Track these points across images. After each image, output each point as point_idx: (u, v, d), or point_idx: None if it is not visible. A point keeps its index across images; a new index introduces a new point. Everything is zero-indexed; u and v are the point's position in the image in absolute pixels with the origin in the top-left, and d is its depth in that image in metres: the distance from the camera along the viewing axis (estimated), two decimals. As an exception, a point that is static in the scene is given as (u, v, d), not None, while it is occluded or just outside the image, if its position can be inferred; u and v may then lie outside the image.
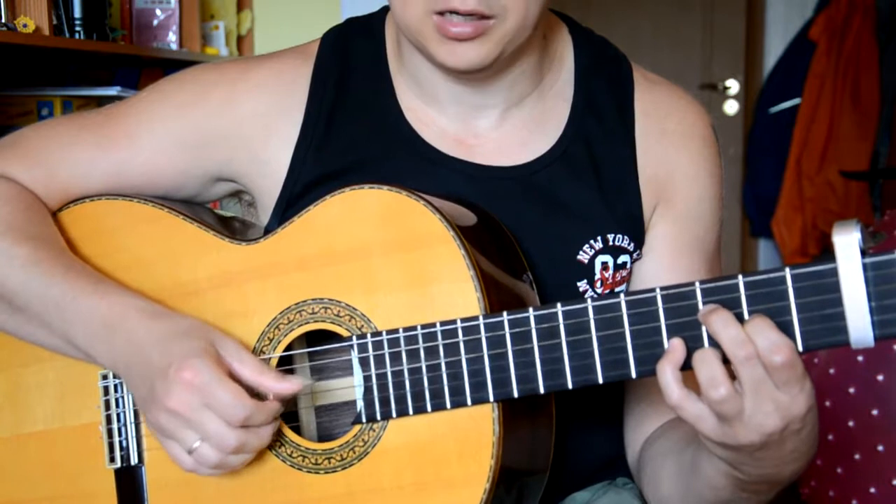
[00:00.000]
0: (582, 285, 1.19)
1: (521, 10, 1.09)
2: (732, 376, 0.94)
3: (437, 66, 1.14)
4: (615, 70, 1.25)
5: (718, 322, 0.92)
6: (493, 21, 1.09)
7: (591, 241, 1.19)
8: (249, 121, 1.23)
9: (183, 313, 1.14)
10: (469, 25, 1.09)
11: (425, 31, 1.11)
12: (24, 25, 2.20)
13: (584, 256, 1.19)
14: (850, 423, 2.30)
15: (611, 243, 1.20)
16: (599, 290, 1.20)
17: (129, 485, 1.18)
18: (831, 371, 2.34)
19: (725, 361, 0.94)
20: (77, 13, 2.44)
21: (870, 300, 0.89)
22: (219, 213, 1.33)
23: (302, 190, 1.21)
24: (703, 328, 0.95)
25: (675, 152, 1.23)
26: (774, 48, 4.80)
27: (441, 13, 1.09)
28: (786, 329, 0.92)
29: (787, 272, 0.92)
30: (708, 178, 1.24)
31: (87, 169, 1.24)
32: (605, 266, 1.20)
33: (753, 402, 0.93)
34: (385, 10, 1.26)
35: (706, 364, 0.93)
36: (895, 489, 2.25)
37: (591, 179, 1.20)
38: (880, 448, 2.26)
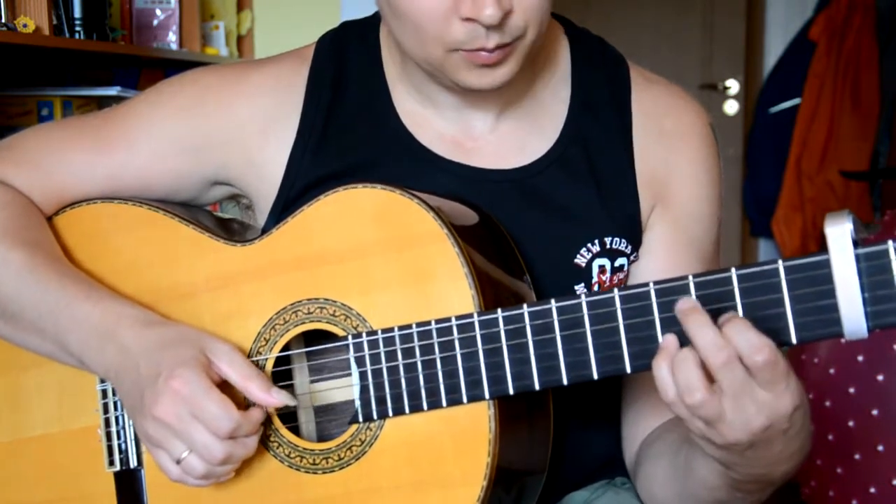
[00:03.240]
0: (579, 289, 1.19)
1: (538, 24, 1.10)
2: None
3: (455, 87, 1.14)
4: (612, 70, 1.24)
5: (694, 326, 0.91)
6: (515, 42, 1.09)
7: (589, 245, 1.19)
8: (246, 124, 1.23)
9: (179, 317, 1.15)
10: (496, 52, 1.08)
11: (449, 64, 1.10)
12: (24, 25, 2.20)
13: (581, 260, 1.19)
14: (850, 423, 2.30)
15: (608, 246, 1.20)
16: (597, 294, 1.19)
17: (129, 487, 1.18)
18: (831, 371, 2.34)
19: None
20: (77, 13, 2.44)
21: (863, 291, 0.89)
22: (217, 215, 1.32)
23: (299, 193, 1.21)
24: None
25: (673, 152, 1.22)
26: (774, 48, 4.80)
27: (470, 50, 1.08)
28: (779, 321, 0.91)
29: (780, 264, 0.91)
30: (706, 178, 1.23)
31: (83, 172, 1.24)
32: (602, 269, 1.20)
33: (735, 404, 0.92)
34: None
35: (681, 369, 0.92)
36: (895, 489, 2.25)
37: (588, 182, 1.20)
38: (880, 448, 2.26)
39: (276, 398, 1.07)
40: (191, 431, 1.04)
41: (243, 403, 1.09)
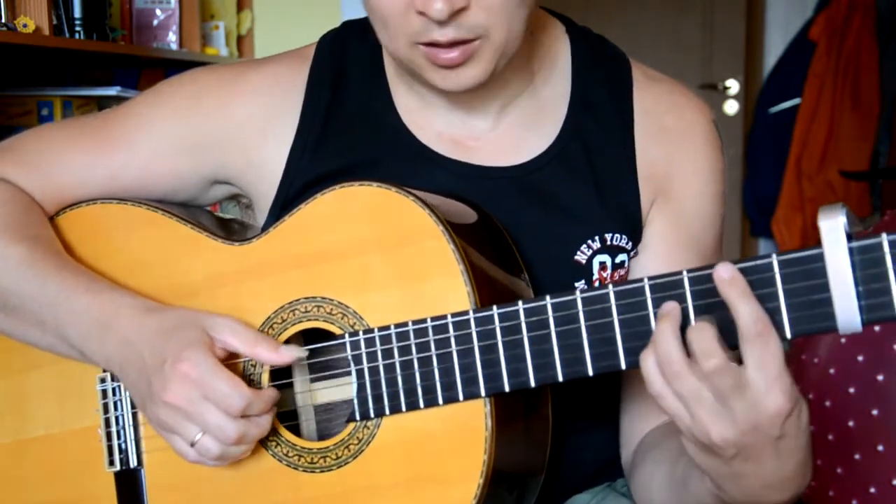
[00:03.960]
0: (580, 286, 1.18)
1: (505, 24, 1.08)
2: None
3: (432, 88, 1.14)
4: (614, 68, 1.24)
5: (692, 331, 0.90)
6: (478, 42, 1.08)
7: (589, 241, 1.19)
8: (245, 124, 1.23)
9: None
10: (456, 51, 1.08)
11: (416, 59, 1.11)
12: (24, 25, 2.20)
13: (581, 257, 1.19)
14: (850, 423, 2.29)
15: (609, 243, 1.19)
16: (598, 291, 1.19)
17: (129, 487, 1.18)
18: (831, 371, 2.33)
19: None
20: (77, 13, 2.44)
21: (856, 285, 0.88)
22: (217, 215, 1.33)
23: (298, 191, 1.21)
24: (692, 317, 0.93)
25: (674, 149, 1.22)
26: (774, 48, 4.80)
27: (426, 43, 1.08)
28: (773, 315, 0.90)
29: (774, 258, 0.91)
30: (708, 175, 1.22)
31: (83, 173, 1.25)
32: (603, 266, 1.19)
33: (722, 403, 0.90)
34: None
35: (659, 342, 0.92)
36: (895, 489, 2.24)
37: (588, 178, 1.20)
38: (880, 448, 2.25)
39: (287, 355, 1.07)
40: (203, 413, 1.04)
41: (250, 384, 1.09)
